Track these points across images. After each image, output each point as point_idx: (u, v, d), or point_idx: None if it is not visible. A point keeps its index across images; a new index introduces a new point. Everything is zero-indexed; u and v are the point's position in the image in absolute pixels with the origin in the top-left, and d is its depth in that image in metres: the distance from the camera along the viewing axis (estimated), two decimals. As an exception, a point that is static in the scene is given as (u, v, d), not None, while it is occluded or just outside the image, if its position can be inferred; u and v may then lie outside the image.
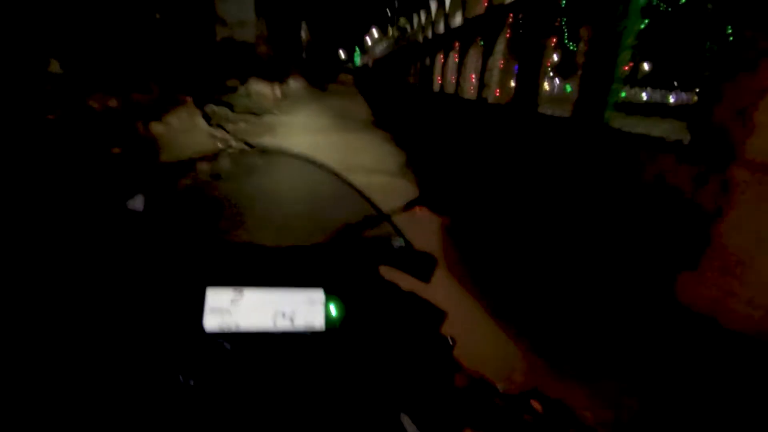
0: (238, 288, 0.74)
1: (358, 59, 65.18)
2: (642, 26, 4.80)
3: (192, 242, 0.84)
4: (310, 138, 8.58)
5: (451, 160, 8.14)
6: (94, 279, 0.73)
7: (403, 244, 0.90)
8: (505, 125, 7.06)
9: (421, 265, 0.86)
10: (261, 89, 12.29)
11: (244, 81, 11.75)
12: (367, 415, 0.71)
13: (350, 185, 0.92)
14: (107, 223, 0.81)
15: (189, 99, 8.12)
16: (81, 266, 0.74)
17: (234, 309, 0.73)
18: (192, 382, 0.67)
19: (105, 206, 0.82)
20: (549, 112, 6.56)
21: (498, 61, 8.44)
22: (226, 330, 0.72)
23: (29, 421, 0.61)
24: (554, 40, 6.76)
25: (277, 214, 1.19)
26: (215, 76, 10.59)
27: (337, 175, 0.92)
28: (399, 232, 0.92)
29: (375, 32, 53.30)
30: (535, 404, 0.70)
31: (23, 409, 0.61)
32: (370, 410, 0.71)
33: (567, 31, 7.51)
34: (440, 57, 14.01)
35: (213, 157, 0.98)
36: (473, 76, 10.66)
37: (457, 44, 12.33)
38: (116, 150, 5.71)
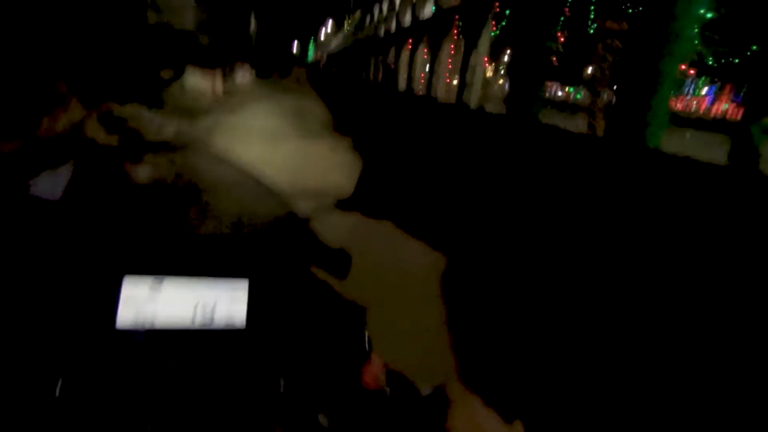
0: (156, 277, 0.68)
1: (312, 53, 61.54)
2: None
3: (106, 229, 0.77)
4: (258, 149, 6.91)
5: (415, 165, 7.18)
6: None
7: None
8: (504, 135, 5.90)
9: (339, 263, 0.83)
10: (198, 83, 10.51)
11: (178, 73, 9.99)
12: (284, 415, 0.67)
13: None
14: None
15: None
16: None
17: (149, 301, 0.67)
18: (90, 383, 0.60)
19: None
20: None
21: (482, 57, 7.28)
22: (140, 326, 0.65)
23: None
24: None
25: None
26: (140, 67, 8.70)
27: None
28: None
29: (330, 25, 50.30)
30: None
31: None
32: (286, 410, 0.67)
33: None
34: (405, 53, 12.79)
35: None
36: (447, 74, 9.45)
37: (426, 38, 11.15)
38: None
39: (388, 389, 0.66)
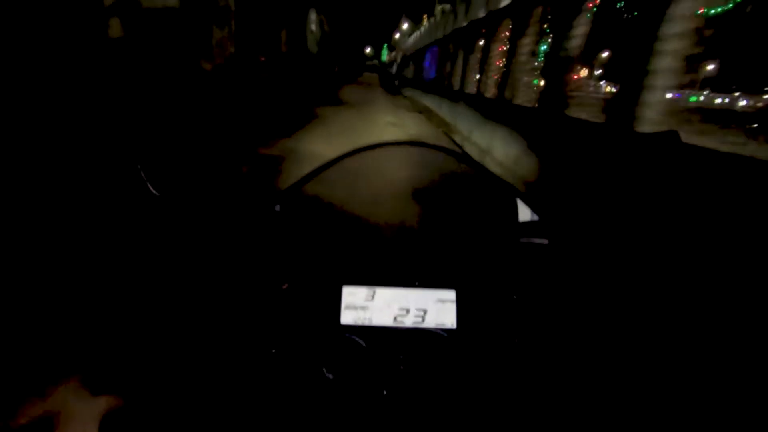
0: (371, 287, 0.79)
1: (385, 55, 61.29)
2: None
3: (328, 243, 0.87)
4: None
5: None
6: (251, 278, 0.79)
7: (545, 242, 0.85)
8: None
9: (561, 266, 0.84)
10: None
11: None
12: (491, 411, 0.72)
13: (480, 166, 0.90)
14: (261, 225, 0.85)
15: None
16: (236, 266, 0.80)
17: (368, 306, 0.78)
18: (331, 376, 0.73)
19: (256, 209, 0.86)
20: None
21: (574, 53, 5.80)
22: (360, 324, 0.77)
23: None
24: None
25: (402, 211, 1.06)
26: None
27: (471, 160, 0.91)
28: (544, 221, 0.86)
29: (406, 25, 47.50)
30: None
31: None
32: (493, 406, 0.72)
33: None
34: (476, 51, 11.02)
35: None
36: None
37: (501, 33, 9.49)
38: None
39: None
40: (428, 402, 0.72)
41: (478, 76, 10.84)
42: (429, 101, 15.56)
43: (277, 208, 0.86)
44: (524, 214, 0.89)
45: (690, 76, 4.17)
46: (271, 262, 0.82)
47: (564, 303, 0.79)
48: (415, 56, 27.00)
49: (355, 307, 0.78)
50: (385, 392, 0.72)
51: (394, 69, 39.66)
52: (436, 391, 0.73)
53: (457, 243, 0.89)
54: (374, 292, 0.78)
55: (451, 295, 0.78)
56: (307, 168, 0.87)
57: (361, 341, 0.75)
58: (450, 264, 0.83)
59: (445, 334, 0.77)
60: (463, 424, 0.71)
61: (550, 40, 7.65)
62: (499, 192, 0.92)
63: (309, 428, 0.71)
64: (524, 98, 8.03)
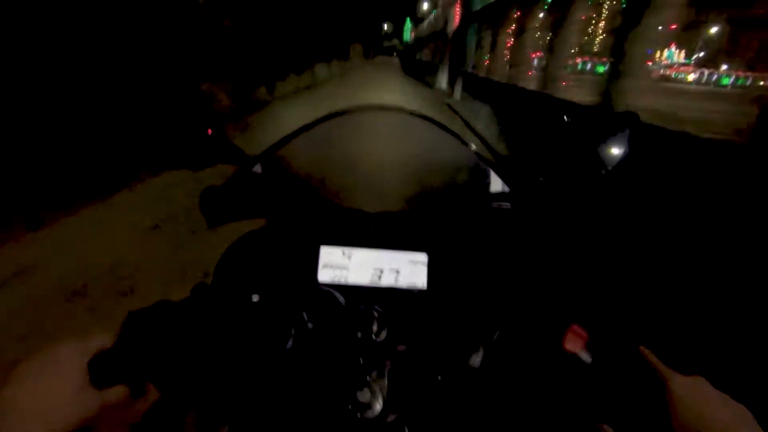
0: (348, 247, 0.82)
1: (408, 33, 49.56)
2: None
3: (307, 205, 0.91)
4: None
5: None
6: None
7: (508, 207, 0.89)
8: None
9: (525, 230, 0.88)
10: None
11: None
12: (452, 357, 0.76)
13: (456, 135, 0.91)
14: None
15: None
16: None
17: (344, 266, 0.82)
18: (311, 325, 0.76)
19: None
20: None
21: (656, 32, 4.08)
22: (337, 282, 0.81)
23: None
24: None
25: (379, 178, 1.03)
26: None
27: (449, 131, 0.91)
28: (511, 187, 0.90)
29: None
30: None
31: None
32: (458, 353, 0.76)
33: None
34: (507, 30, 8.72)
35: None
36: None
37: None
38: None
39: (587, 355, 0.67)
40: (399, 347, 0.76)
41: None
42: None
43: (258, 169, 0.87)
44: (496, 184, 0.92)
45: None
46: (251, 221, 0.86)
47: (526, 261, 0.84)
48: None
49: (332, 266, 0.82)
50: (359, 335, 0.75)
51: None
52: (407, 339, 0.77)
53: (432, 209, 0.93)
54: (351, 253, 0.82)
55: (422, 257, 0.83)
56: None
57: (339, 295, 0.79)
58: (423, 229, 0.87)
59: (417, 293, 0.82)
60: (427, 366, 0.75)
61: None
62: (473, 163, 0.93)
63: (290, 369, 0.74)
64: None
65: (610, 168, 0.91)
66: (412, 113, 0.92)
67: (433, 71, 18.81)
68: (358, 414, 0.69)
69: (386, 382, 0.72)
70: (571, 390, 0.69)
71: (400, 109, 0.92)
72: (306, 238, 0.84)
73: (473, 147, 0.92)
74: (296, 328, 0.75)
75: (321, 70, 16.89)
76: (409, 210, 0.94)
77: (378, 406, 0.70)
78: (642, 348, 0.64)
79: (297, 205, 0.91)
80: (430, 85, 19.23)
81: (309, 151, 0.94)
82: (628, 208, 3.53)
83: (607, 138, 0.94)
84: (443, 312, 0.80)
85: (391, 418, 0.72)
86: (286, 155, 0.91)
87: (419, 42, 33.31)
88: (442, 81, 17.51)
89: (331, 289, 0.80)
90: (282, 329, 0.74)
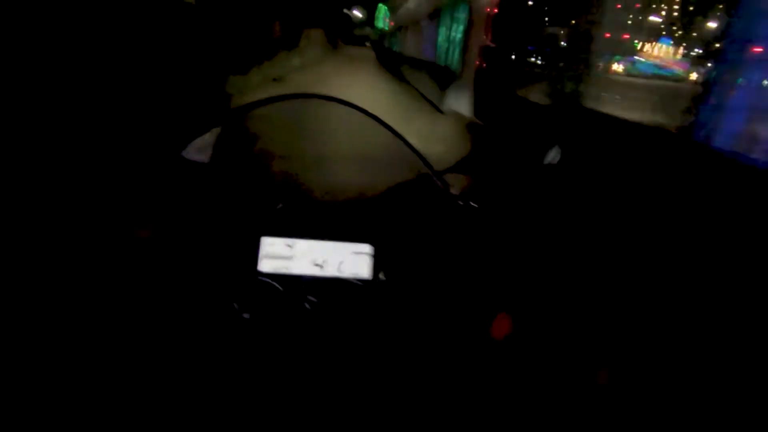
0: (291, 239, 0.83)
1: (381, 21, 48.65)
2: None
3: (250, 193, 0.90)
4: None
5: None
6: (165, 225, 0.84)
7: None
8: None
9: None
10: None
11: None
12: (398, 350, 0.81)
13: (403, 140, 0.94)
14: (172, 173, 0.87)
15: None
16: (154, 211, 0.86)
17: (287, 256, 0.82)
18: (247, 316, 0.78)
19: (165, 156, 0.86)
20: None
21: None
22: (279, 272, 0.81)
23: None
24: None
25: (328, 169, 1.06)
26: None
27: (389, 128, 0.93)
28: (446, 187, 0.94)
29: None
30: None
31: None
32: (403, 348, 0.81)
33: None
34: None
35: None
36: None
37: None
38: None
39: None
40: (337, 340, 0.80)
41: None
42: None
43: (205, 159, 0.88)
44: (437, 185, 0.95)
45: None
46: (194, 211, 0.86)
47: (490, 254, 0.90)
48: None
49: (274, 257, 0.83)
50: (296, 326, 0.78)
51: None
52: (346, 330, 0.81)
53: (377, 202, 0.96)
54: (293, 243, 0.84)
55: (366, 248, 0.85)
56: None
57: (278, 286, 0.81)
58: (369, 220, 0.89)
59: (361, 284, 0.84)
60: (368, 362, 0.80)
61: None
62: (418, 163, 0.95)
63: (222, 361, 0.76)
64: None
65: (548, 160, 0.97)
66: (365, 112, 0.94)
67: (433, 76, 10.25)
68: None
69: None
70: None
71: (353, 106, 0.95)
72: (247, 228, 0.85)
73: (418, 151, 0.96)
74: (229, 318, 0.78)
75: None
76: (354, 201, 0.96)
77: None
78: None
79: (241, 195, 0.91)
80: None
81: (257, 137, 0.97)
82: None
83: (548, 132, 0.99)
84: (385, 302, 0.84)
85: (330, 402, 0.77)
86: (233, 138, 0.92)
87: (399, 31, 25.82)
88: (460, 102, 8.04)
89: (271, 280, 0.81)
90: (215, 320, 0.77)
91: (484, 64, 8.51)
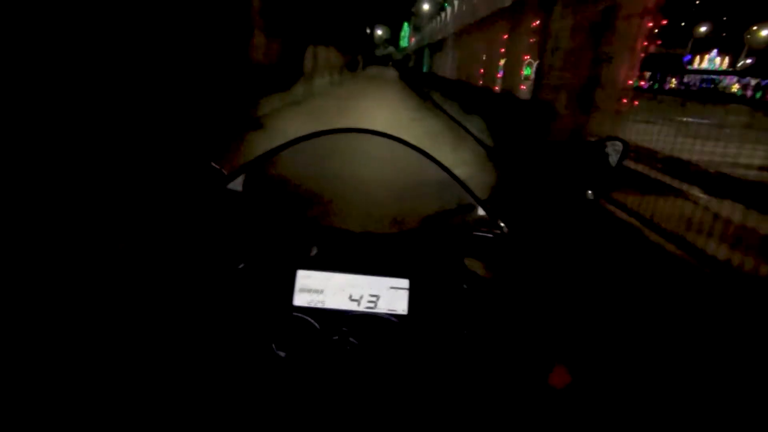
0: (327, 272, 0.81)
1: (406, 40, 42.45)
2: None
3: (285, 225, 0.89)
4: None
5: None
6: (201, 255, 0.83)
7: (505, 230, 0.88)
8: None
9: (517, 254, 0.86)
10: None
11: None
12: (432, 387, 0.76)
13: (444, 168, 0.91)
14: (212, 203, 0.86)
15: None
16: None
17: (322, 290, 0.80)
18: (283, 354, 0.75)
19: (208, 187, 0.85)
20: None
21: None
22: (313, 306, 0.79)
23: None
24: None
25: (364, 200, 1.06)
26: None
27: (430, 158, 0.90)
28: (495, 219, 0.89)
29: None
30: None
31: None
32: (436, 384, 0.76)
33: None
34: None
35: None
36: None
37: None
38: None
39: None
40: (375, 380, 0.76)
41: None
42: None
43: (238, 186, 0.87)
44: (480, 214, 0.92)
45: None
46: (229, 242, 0.84)
47: (511, 289, 0.83)
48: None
49: (309, 290, 0.81)
50: (335, 368, 0.75)
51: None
52: (384, 370, 0.76)
53: (415, 234, 0.92)
54: (329, 277, 0.81)
55: (404, 283, 0.82)
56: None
57: (314, 322, 0.78)
58: (406, 254, 0.86)
59: (396, 320, 0.80)
60: (408, 404, 0.74)
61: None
62: (459, 194, 0.93)
63: (258, 402, 0.73)
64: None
65: (594, 193, 0.91)
66: (402, 142, 0.92)
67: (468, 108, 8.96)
68: None
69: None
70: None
71: (390, 137, 0.92)
72: (283, 261, 0.82)
73: (460, 180, 0.92)
74: (265, 357, 0.74)
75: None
76: (391, 234, 0.93)
77: None
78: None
79: (277, 227, 0.89)
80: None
81: (293, 169, 0.94)
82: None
83: (592, 164, 0.94)
84: (423, 339, 0.79)
85: None
86: (268, 172, 0.90)
87: (424, 49, 23.17)
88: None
89: (306, 315, 0.79)
90: (251, 358, 0.75)
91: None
